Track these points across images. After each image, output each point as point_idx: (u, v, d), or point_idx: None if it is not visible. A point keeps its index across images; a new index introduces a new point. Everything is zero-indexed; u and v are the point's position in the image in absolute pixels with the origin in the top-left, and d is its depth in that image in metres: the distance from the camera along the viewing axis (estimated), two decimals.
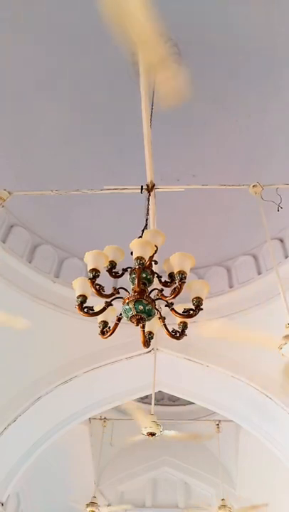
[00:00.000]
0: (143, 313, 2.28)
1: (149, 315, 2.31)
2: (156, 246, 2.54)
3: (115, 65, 5.37)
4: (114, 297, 2.50)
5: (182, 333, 2.49)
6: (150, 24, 1.99)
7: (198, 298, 2.43)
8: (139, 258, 2.34)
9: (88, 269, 2.48)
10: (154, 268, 2.55)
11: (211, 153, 6.02)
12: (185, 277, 2.38)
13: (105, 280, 2.54)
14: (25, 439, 6.02)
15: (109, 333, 2.53)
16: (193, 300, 2.44)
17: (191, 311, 2.43)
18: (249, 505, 7.65)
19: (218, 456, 8.74)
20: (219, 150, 6.00)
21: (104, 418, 8.47)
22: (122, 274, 2.58)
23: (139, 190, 3.54)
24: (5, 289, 5.66)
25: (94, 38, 5.13)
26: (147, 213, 3.36)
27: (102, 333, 2.59)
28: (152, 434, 4.87)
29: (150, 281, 2.45)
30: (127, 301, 2.30)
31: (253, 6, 4.66)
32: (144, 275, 2.38)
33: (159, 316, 2.46)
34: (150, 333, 2.70)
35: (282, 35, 4.91)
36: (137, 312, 2.26)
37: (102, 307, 2.50)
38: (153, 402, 5.48)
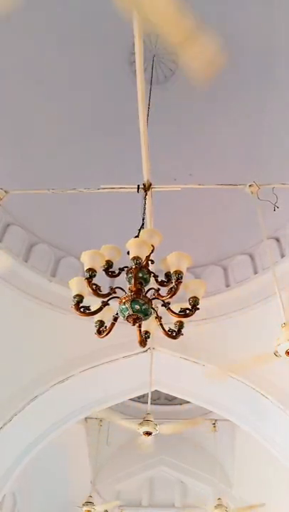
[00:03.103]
0: (139, 312, 2.28)
1: (146, 314, 2.31)
2: (152, 245, 2.54)
3: (114, 65, 5.38)
4: (110, 297, 2.49)
5: (179, 333, 2.49)
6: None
7: (195, 297, 2.43)
8: (136, 258, 2.34)
9: (85, 269, 2.47)
10: (151, 267, 2.55)
11: (209, 152, 6.02)
12: (182, 277, 2.38)
13: (102, 279, 2.54)
14: (22, 438, 6.00)
15: (105, 333, 2.53)
16: (189, 300, 2.44)
17: (188, 311, 2.43)
18: (246, 506, 7.66)
19: (215, 455, 8.75)
20: (217, 149, 6.01)
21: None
22: (119, 274, 2.57)
23: (136, 190, 3.53)
24: (1, 287, 5.64)
25: (93, 39, 5.13)
26: (144, 213, 3.36)
27: (99, 332, 2.58)
28: (149, 433, 4.87)
29: (147, 281, 2.44)
30: (123, 300, 2.30)
31: (253, 5, 4.66)
32: (140, 275, 2.38)
33: (155, 315, 2.46)
34: (147, 332, 2.71)
35: (281, 35, 4.92)
36: (133, 312, 2.26)
37: (98, 307, 2.50)
38: (149, 401, 5.48)
